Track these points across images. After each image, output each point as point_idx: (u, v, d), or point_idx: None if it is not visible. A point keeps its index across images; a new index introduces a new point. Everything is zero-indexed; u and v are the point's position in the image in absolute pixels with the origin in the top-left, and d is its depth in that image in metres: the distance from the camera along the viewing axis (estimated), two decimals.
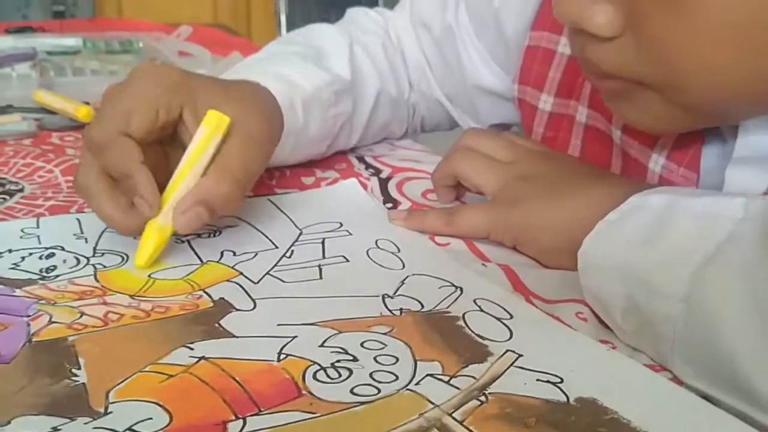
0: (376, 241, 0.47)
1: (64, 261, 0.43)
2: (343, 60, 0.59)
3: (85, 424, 0.28)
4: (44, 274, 0.41)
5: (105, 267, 0.42)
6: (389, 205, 0.53)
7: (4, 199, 0.51)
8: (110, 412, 0.29)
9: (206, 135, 0.42)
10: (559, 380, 0.32)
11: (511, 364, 0.33)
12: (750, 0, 0.34)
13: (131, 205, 0.42)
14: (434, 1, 0.65)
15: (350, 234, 0.48)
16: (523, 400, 0.31)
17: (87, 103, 0.69)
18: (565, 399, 0.31)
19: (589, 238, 0.38)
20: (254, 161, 0.44)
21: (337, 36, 0.62)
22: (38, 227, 0.47)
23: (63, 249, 0.44)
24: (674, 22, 0.36)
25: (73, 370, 0.32)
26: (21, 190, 0.52)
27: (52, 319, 0.36)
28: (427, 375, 0.33)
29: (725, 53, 0.36)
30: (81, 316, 0.37)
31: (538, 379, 0.32)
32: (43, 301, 0.38)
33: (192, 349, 0.34)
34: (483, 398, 0.31)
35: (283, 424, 0.29)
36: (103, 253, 0.44)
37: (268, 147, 0.47)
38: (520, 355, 0.34)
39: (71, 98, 0.69)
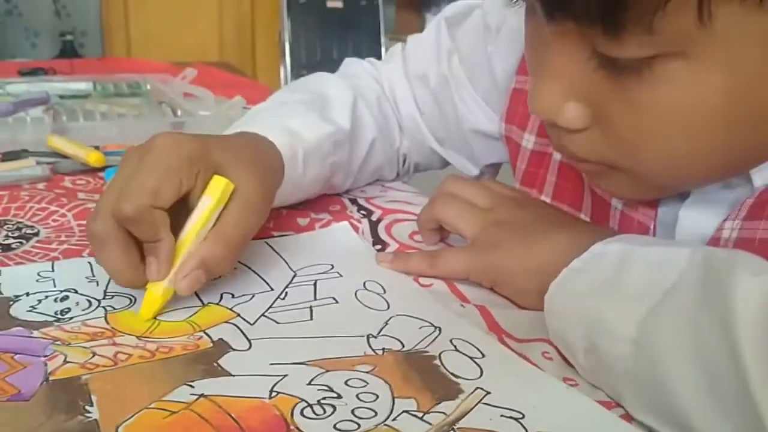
0: (364, 283, 0.50)
1: (77, 303, 0.46)
2: (346, 111, 0.64)
3: None
4: (59, 316, 0.45)
5: (114, 309, 0.46)
6: (378, 246, 0.57)
7: (21, 243, 0.55)
8: None
9: (210, 206, 0.46)
10: (521, 416, 0.36)
11: (480, 401, 0.37)
12: (693, 89, 0.38)
13: (140, 261, 0.45)
14: (429, 54, 0.69)
15: (340, 276, 0.52)
16: None
17: (97, 147, 0.73)
18: None
19: (554, 284, 0.42)
20: (250, 227, 0.48)
21: (343, 87, 0.66)
22: (53, 270, 0.51)
23: (76, 292, 0.48)
24: (631, 116, 0.40)
25: (87, 407, 0.36)
26: (36, 234, 0.57)
27: (67, 359, 0.40)
28: (404, 411, 0.36)
29: (678, 139, 0.40)
30: (93, 356, 0.40)
31: (502, 415, 0.36)
32: (58, 342, 0.42)
33: (193, 387, 0.38)
34: None
35: None
36: (113, 296, 0.48)
37: (265, 210, 0.51)
38: (489, 392, 0.38)
39: (82, 143, 0.73)
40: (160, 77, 1.00)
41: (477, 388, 0.38)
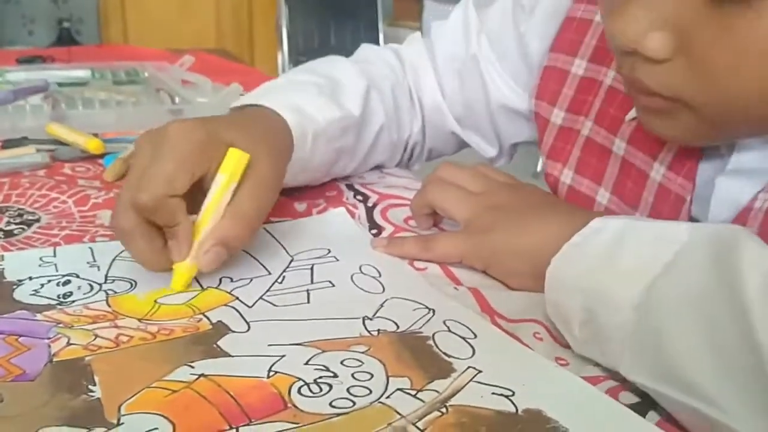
0: (360, 267, 0.51)
1: (79, 287, 0.47)
2: (357, 97, 0.65)
3: None
4: (61, 299, 0.46)
5: (116, 293, 0.47)
6: (374, 231, 0.58)
7: (23, 229, 0.56)
8: (122, 423, 0.34)
9: (224, 183, 0.48)
10: (511, 393, 0.37)
11: (471, 379, 0.38)
12: None
13: (164, 245, 0.47)
14: (456, 35, 0.71)
15: (337, 260, 0.53)
16: (477, 411, 0.36)
17: (96, 135, 0.74)
18: (515, 410, 0.36)
19: (556, 258, 0.43)
20: (265, 204, 0.50)
21: (356, 73, 0.67)
22: (55, 256, 0.52)
23: (78, 276, 0.49)
24: (722, 47, 0.39)
25: (90, 387, 0.37)
26: (38, 220, 0.57)
27: (70, 341, 0.41)
28: (397, 389, 0.37)
29: (766, 78, 0.39)
30: (95, 338, 0.41)
31: (492, 393, 0.37)
32: (61, 325, 0.43)
33: (193, 367, 0.39)
34: (444, 410, 0.36)
35: None
36: (113, 280, 0.49)
37: (278, 186, 0.52)
38: (480, 371, 0.39)
39: (82, 130, 0.74)
40: (157, 65, 1.01)
41: (469, 366, 0.39)
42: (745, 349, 0.33)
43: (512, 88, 0.67)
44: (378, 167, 0.72)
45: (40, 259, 0.51)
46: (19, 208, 0.60)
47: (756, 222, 0.45)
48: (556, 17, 0.62)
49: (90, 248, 0.53)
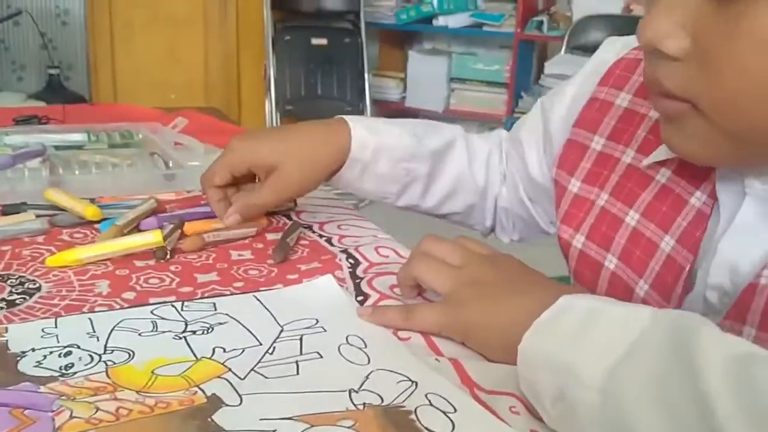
0: (347, 337, 0.54)
1: (80, 358, 0.50)
2: (440, 139, 0.75)
3: None
4: (63, 371, 0.48)
5: (114, 363, 0.50)
6: (360, 298, 0.62)
7: (24, 299, 0.58)
8: None
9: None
10: None
11: None
12: None
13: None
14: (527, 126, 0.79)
15: (325, 330, 0.56)
16: None
17: (92, 200, 0.77)
18: None
19: (527, 335, 0.46)
20: (276, 195, 0.74)
21: (450, 128, 0.79)
22: (56, 327, 0.54)
23: (78, 347, 0.51)
24: (729, 47, 0.44)
25: None
26: (38, 289, 0.60)
27: (73, 414, 0.43)
28: None
29: None
30: (96, 411, 0.44)
31: None
32: (64, 397, 0.45)
33: None
34: None
35: None
36: (112, 350, 0.51)
37: (300, 183, 0.73)
38: None
39: (79, 194, 0.77)
40: (151, 126, 1.04)
41: None
42: None
43: (544, 169, 0.76)
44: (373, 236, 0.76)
45: (42, 330, 0.54)
46: (20, 276, 0.62)
47: (762, 298, 0.48)
48: (577, 101, 0.70)
49: (89, 319, 0.56)
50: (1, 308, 0.56)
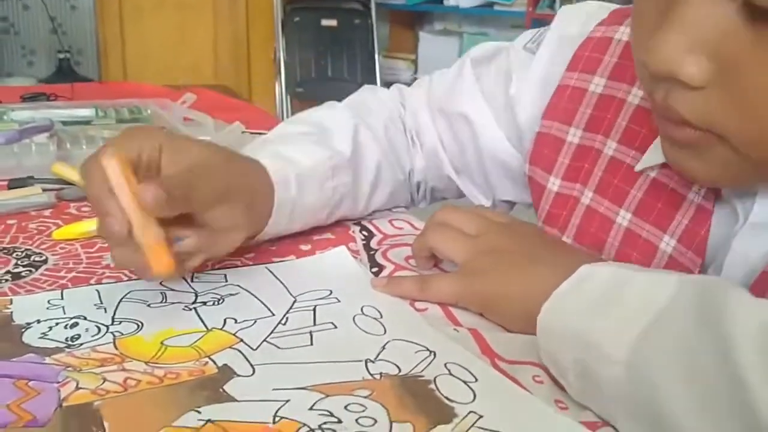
0: (362, 308, 0.52)
1: (87, 330, 0.48)
2: (346, 137, 0.66)
3: None
4: (70, 342, 0.47)
5: (123, 334, 0.48)
6: (375, 269, 0.60)
7: (30, 271, 0.57)
8: None
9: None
10: None
11: (473, 425, 0.39)
12: None
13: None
14: (451, 90, 0.72)
15: (339, 301, 0.54)
16: None
17: None
18: None
19: (545, 306, 0.44)
20: (193, 178, 0.52)
21: (345, 117, 0.69)
22: (62, 298, 0.53)
23: (85, 318, 0.50)
24: (764, 75, 0.37)
25: None
26: (45, 262, 0.58)
27: (79, 385, 0.42)
28: None
29: None
30: (104, 382, 0.42)
31: None
32: (70, 368, 0.44)
33: (200, 412, 0.39)
34: None
35: None
36: (120, 322, 0.50)
37: (220, 181, 0.54)
38: (481, 416, 0.40)
39: None
40: (160, 102, 1.03)
41: (470, 411, 0.40)
42: (736, 413, 0.33)
43: (506, 148, 0.68)
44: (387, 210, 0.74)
45: (48, 302, 0.52)
46: (26, 249, 0.61)
47: None
48: (546, 85, 0.63)
49: (97, 290, 0.54)
50: (6, 281, 0.55)
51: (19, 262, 0.58)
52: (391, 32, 3.79)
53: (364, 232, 0.67)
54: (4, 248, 0.61)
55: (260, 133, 0.99)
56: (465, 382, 0.43)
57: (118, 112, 0.97)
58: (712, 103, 0.39)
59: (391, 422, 0.39)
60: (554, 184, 0.62)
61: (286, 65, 3.29)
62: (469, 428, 0.39)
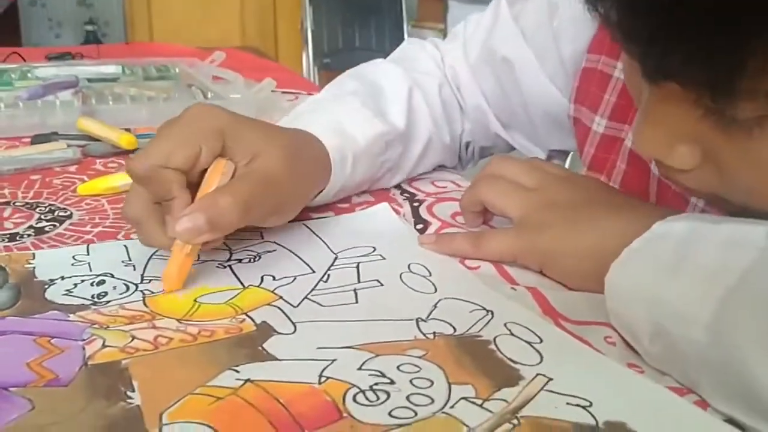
0: (409, 265, 0.48)
1: (114, 287, 0.45)
2: (401, 107, 0.61)
3: None
4: (96, 299, 0.43)
5: (153, 293, 0.44)
6: (420, 226, 0.55)
7: (54, 226, 0.53)
8: None
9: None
10: (588, 404, 0.34)
11: (542, 388, 0.35)
12: None
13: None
14: (489, 37, 0.66)
15: (383, 258, 0.50)
16: (553, 423, 0.32)
17: (128, 130, 0.72)
18: (594, 422, 0.32)
19: (614, 265, 0.40)
20: (263, 195, 0.46)
21: (399, 79, 0.63)
22: (88, 254, 0.49)
23: (112, 276, 0.46)
24: (743, 166, 0.37)
25: (128, 393, 0.34)
26: (69, 217, 0.55)
27: (106, 343, 0.38)
28: (461, 398, 0.34)
29: None
30: (132, 340, 0.39)
31: (567, 403, 0.34)
32: (96, 326, 0.40)
33: (238, 371, 0.36)
34: (515, 421, 0.32)
35: None
36: (150, 280, 0.46)
37: (289, 193, 0.49)
38: (551, 379, 0.36)
39: (113, 125, 0.72)
40: (188, 61, 0.99)
41: (538, 374, 0.36)
42: None
43: (550, 91, 0.63)
44: None
45: (73, 257, 0.49)
46: (50, 204, 0.57)
47: None
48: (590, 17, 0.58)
49: (125, 246, 0.50)
50: (29, 236, 0.51)
51: (42, 217, 0.55)
52: (420, 1, 3.71)
53: (405, 194, 0.62)
54: (27, 203, 0.57)
55: (290, 92, 0.95)
56: (529, 343, 0.39)
57: (146, 70, 0.94)
58: (707, 179, 0.39)
59: (449, 384, 0.35)
60: (600, 124, 0.57)
61: (313, 36, 3.24)
62: (538, 392, 0.35)
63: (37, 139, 0.69)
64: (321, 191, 0.54)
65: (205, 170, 0.46)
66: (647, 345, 0.38)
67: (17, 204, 0.57)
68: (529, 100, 0.64)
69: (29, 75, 0.88)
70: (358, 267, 0.48)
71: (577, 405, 0.34)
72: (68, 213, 0.56)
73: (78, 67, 0.91)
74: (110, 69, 0.92)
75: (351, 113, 0.58)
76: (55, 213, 0.56)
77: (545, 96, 0.63)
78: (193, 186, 0.46)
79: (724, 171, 0.38)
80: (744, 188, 0.38)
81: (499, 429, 0.32)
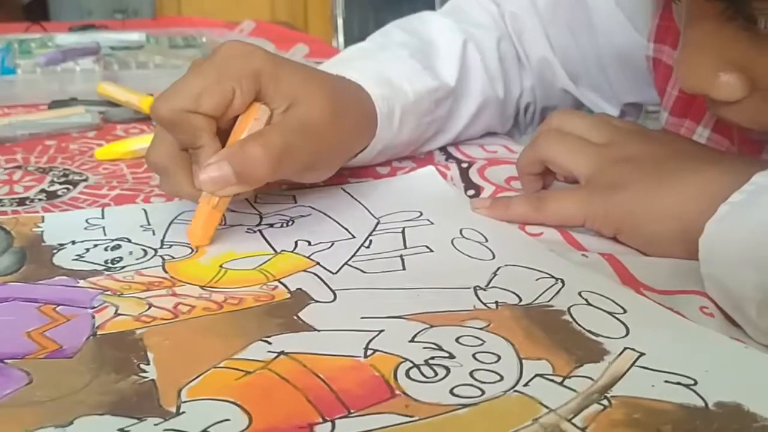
0: (461, 231, 0.43)
1: (131, 253, 0.40)
2: (454, 63, 0.55)
3: (156, 425, 0.25)
4: (110, 265, 0.38)
5: (174, 258, 0.39)
6: (471, 192, 0.49)
7: (67, 189, 0.48)
8: (183, 413, 0.26)
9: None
10: (693, 382, 0.28)
11: (633, 364, 0.29)
12: None
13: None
14: None
15: (431, 223, 0.44)
16: (652, 404, 0.27)
17: (151, 95, 0.67)
18: (703, 404, 0.26)
19: (712, 222, 0.34)
20: (300, 147, 0.41)
21: (451, 32, 0.57)
22: (103, 218, 0.44)
23: (129, 241, 0.41)
24: None
25: (142, 366, 0.29)
26: (85, 180, 0.50)
27: (119, 311, 0.33)
28: (536, 375, 0.28)
29: None
30: (149, 308, 0.34)
31: (666, 381, 0.28)
32: (108, 293, 0.35)
33: (270, 343, 0.30)
34: (605, 402, 0.27)
35: (379, 428, 0.25)
36: (171, 245, 0.41)
37: (328, 144, 0.43)
38: (642, 354, 0.30)
39: (136, 90, 0.67)
40: (216, 31, 0.94)
41: (626, 348, 0.30)
42: None
43: (627, 30, 0.57)
44: None
45: (86, 221, 0.44)
46: (65, 169, 0.53)
47: None
48: None
49: (144, 210, 0.45)
50: (40, 200, 0.47)
51: (55, 180, 0.50)
52: None
53: (451, 160, 0.56)
54: (40, 167, 0.53)
55: (322, 62, 0.90)
56: (610, 314, 0.33)
57: (171, 39, 0.89)
58: (756, 110, 0.37)
59: (520, 359, 0.29)
60: None
61: (344, 23, 3.19)
62: (629, 369, 0.29)
63: (55, 105, 0.65)
64: (364, 149, 0.49)
65: (238, 116, 0.41)
66: (754, 316, 0.31)
67: (29, 168, 0.52)
68: (602, 44, 0.58)
69: (50, 44, 0.84)
70: (403, 232, 0.43)
71: (678, 383, 0.28)
72: (84, 177, 0.51)
73: (101, 35, 0.86)
74: (134, 36, 0.87)
75: (399, 64, 0.52)
76: (69, 177, 0.51)
77: (621, 36, 0.57)
78: (225, 132, 0.41)
79: None
80: None
81: (586, 411, 0.26)
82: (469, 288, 0.36)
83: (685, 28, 0.37)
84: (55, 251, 0.40)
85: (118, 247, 0.41)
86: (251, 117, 0.40)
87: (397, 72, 0.51)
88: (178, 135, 0.40)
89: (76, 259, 0.39)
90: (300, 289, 0.35)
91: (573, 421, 0.26)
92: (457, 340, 0.31)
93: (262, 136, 0.39)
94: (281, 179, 0.45)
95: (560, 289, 0.35)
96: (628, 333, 0.31)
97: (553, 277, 0.37)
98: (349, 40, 3.17)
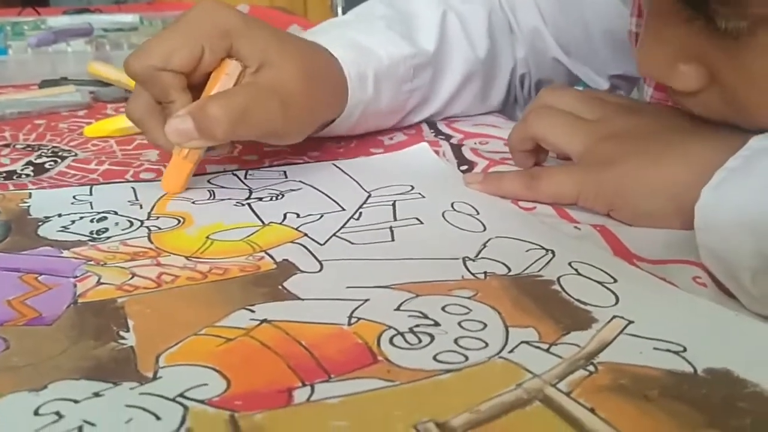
0: (452, 204, 0.42)
1: (117, 224, 0.39)
2: (432, 31, 0.55)
3: (131, 389, 0.25)
4: (94, 235, 0.38)
5: (160, 229, 0.39)
6: (464, 167, 0.49)
7: (54, 162, 0.48)
8: (160, 377, 0.25)
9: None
10: (682, 349, 0.27)
11: (621, 332, 0.28)
12: None
13: None
14: None
15: (423, 196, 0.43)
16: (639, 370, 0.26)
17: None
18: (692, 370, 0.26)
19: (706, 189, 0.33)
20: (262, 109, 0.42)
21: (431, 4, 0.57)
22: (91, 194, 0.44)
23: (116, 213, 0.41)
24: (741, 80, 0.34)
25: (121, 333, 0.28)
26: (74, 156, 0.50)
27: (101, 281, 0.33)
28: (522, 342, 0.28)
29: None
30: (132, 278, 0.33)
31: (655, 348, 0.27)
32: (92, 262, 0.35)
33: (253, 311, 0.30)
34: (591, 368, 0.26)
35: (359, 392, 0.25)
36: (158, 217, 0.40)
37: (295, 109, 0.43)
38: (631, 322, 0.29)
39: None
40: None
41: (615, 316, 0.30)
42: None
43: (616, 4, 0.56)
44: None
45: (74, 197, 0.43)
46: (53, 146, 0.52)
47: None
48: None
49: (132, 188, 0.45)
50: (28, 175, 0.46)
51: (43, 153, 0.49)
52: None
53: (441, 136, 0.55)
54: (29, 145, 0.52)
55: None
56: (600, 283, 0.32)
57: (166, 21, 0.88)
58: (712, 102, 0.37)
59: (506, 327, 0.29)
60: None
61: (344, 11, 3.17)
62: (617, 336, 0.28)
63: (45, 84, 0.64)
64: (338, 117, 0.49)
65: (212, 72, 0.42)
66: (748, 285, 0.31)
67: (17, 146, 0.52)
68: (589, 17, 0.57)
69: (42, 27, 0.83)
70: (394, 205, 0.42)
71: (668, 350, 0.27)
72: (73, 153, 0.50)
73: (94, 17, 0.85)
74: (128, 18, 0.86)
75: (375, 34, 0.52)
76: (58, 153, 0.50)
77: (608, 9, 0.56)
78: (200, 86, 0.42)
79: (727, 91, 0.35)
80: (747, 108, 0.35)
81: (572, 376, 0.26)
82: (458, 258, 0.35)
83: (648, 16, 0.36)
84: (40, 223, 0.39)
85: (104, 218, 0.40)
86: (222, 72, 0.42)
87: (371, 40, 0.51)
88: (151, 90, 0.42)
89: (61, 231, 0.38)
90: (286, 259, 0.35)
91: (558, 386, 0.25)
92: (443, 308, 0.30)
93: (225, 97, 0.41)
94: (246, 139, 0.45)
95: (550, 260, 0.35)
96: (617, 302, 0.31)
97: (543, 248, 0.36)
98: None
